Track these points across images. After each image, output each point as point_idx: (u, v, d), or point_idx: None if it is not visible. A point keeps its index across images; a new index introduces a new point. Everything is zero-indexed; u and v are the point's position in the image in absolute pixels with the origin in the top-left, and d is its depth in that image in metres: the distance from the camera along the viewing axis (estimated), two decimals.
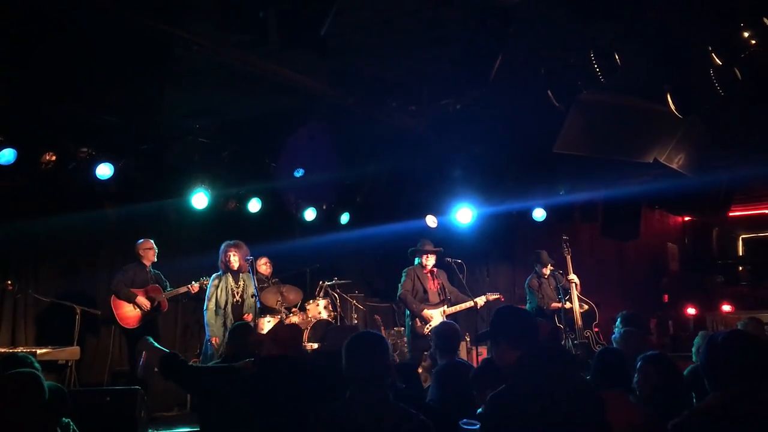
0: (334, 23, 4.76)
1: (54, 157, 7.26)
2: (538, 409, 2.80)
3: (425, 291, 8.24)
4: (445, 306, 8.20)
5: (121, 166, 7.77)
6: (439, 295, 8.27)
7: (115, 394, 5.81)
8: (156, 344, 4.19)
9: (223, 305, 7.40)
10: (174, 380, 4.19)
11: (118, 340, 8.02)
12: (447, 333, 5.18)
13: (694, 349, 5.57)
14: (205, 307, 7.47)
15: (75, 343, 7.28)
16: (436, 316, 8.01)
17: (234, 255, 7.49)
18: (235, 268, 7.55)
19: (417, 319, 8.11)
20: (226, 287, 7.49)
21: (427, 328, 7.90)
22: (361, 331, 3.44)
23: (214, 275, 7.63)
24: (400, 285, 8.32)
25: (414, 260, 8.48)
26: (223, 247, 7.64)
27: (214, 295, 7.46)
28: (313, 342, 8.15)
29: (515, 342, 3.14)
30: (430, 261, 8.35)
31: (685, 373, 5.09)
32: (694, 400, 4.36)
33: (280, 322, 7.54)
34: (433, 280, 8.32)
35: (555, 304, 8.77)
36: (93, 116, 6.73)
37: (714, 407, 2.79)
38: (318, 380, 3.95)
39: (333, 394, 3.38)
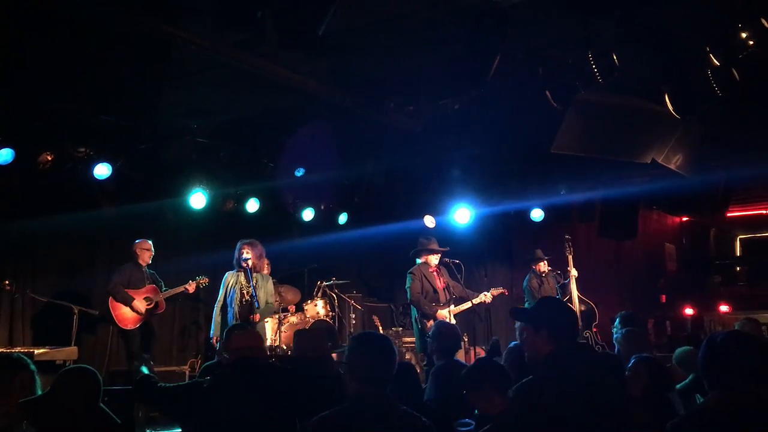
0: (332, 23, 4.76)
1: (51, 157, 7.25)
2: (568, 404, 2.79)
3: (435, 291, 8.06)
4: (452, 305, 8.08)
5: (118, 166, 7.76)
6: (446, 293, 8.10)
7: (112, 394, 5.78)
8: (142, 368, 4.19)
9: (231, 303, 7.36)
10: (146, 403, 4.17)
11: (115, 341, 7.99)
12: (447, 334, 5.18)
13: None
14: (215, 306, 7.43)
15: (72, 343, 7.25)
16: (447, 316, 7.90)
17: (248, 252, 7.42)
18: (248, 266, 7.48)
19: (431, 320, 7.96)
20: (237, 285, 7.43)
21: None
22: (368, 332, 3.42)
23: (228, 272, 7.53)
24: (408, 288, 8.09)
25: (415, 260, 8.29)
26: (238, 244, 7.55)
27: (224, 293, 7.40)
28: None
29: (557, 335, 3.09)
30: (435, 260, 8.19)
31: (691, 377, 5.09)
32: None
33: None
34: (440, 278, 8.15)
35: None
36: (91, 116, 6.72)
37: (712, 408, 2.80)
38: (288, 383, 3.92)
39: (316, 400, 3.33)
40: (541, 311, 3.25)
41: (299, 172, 9.00)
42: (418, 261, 8.25)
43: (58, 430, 3.55)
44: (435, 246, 8.20)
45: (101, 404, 3.67)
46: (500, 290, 8.38)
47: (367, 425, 2.85)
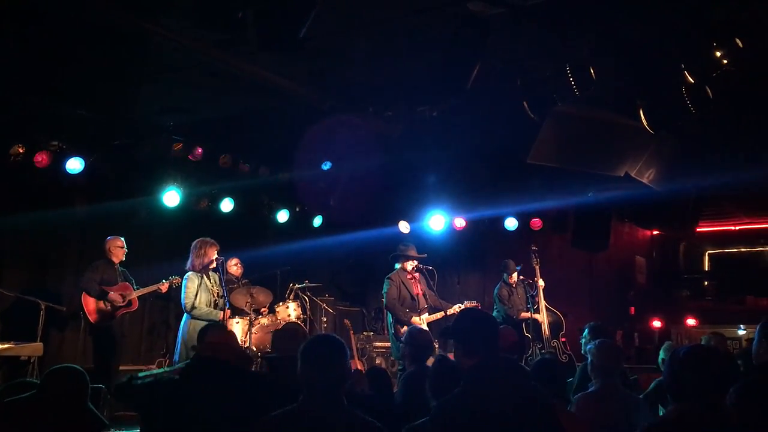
0: (313, 26, 4.76)
1: (23, 150, 7.14)
2: (484, 420, 2.76)
3: (413, 298, 8.04)
4: (426, 313, 8.08)
5: (92, 161, 7.67)
6: (421, 301, 8.10)
7: None
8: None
9: (206, 305, 7.22)
10: (126, 402, 4.13)
11: (82, 338, 7.89)
12: (419, 340, 5.20)
13: (659, 361, 5.68)
14: (191, 307, 7.07)
15: (38, 339, 7.16)
16: (423, 324, 7.89)
17: (217, 252, 7.34)
18: (214, 266, 7.38)
19: (404, 327, 7.88)
20: (206, 287, 7.30)
21: None
22: (320, 335, 3.37)
23: (190, 274, 7.25)
24: (384, 293, 8.05)
25: (394, 265, 8.26)
26: (202, 245, 7.31)
27: (198, 296, 7.16)
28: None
29: (471, 349, 3.06)
30: (411, 266, 8.17)
31: (651, 385, 5.16)
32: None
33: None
34: (417, 285, 8.14)
35: (524, 314, 8.85)
36: (65, 109, 6.64)
37: (673, 420, 2.85)
38: (257, 386, 3.87)
39: (279, 401, 3.30)
40: (456, 326, 3.19)
41: (326, 166, 8.98)
42: (397, 266, 8.24)
43: (45, 430, 3.48)
44: (413, 252, 8.21)
45: (89, 404, 3.61)
46: (474, 303, 8.40)
47: (314, 427, 2.79)
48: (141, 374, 4.16)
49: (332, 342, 2.98)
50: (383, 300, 8.17)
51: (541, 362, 4.34)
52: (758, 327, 3.79)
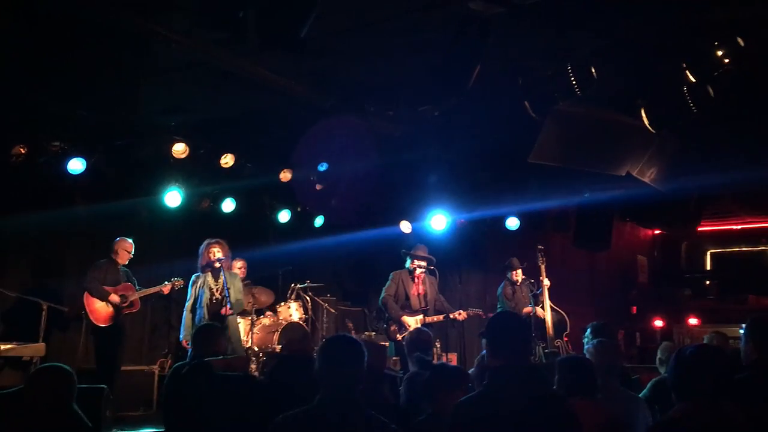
0: (314, 25, 4.76)
1: (25, 150, 7.14)
2: (503, 420, 2.78)
3: (407, 297, 8.18)
4: (422, 315, 8.14)
5: (93, 162, 7.66)
6: (420, 301, 8.20)
7: (80, 392, 5.69)
8: None
9: (200, 304, 7.26)
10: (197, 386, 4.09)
11: (84, 338, 7.87)
12: (420, 341, 5.23)
13: (657, 363, 5.67)
14: (184, 308, 7.34)
15: (40, 339, 7.15)
16: (413, 324, 7.97)
17: (219, 252, 7.36)
18: (218, 266, 7.39)
19: (395, 324, 8.07)
20: (206, 285, 7.33)
21: (400, 336, 7.88)
22: (338, 335, 3.39)
23: (194, 275, 7.44)
24: (384, 288, 8.27)
25: (405, 261, 8.42)
26: (204, 245, 7.43)
27: (194, 295, 7.28)
28: (282, 344, 8.12)
29: (498, 351, 3.07)
30: (412, 265, 8.28)
31: (648, 385, 5.16)
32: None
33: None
34: (417, 285, 8.25)
35: (527, 309, 8.85)
36: (66, 109, 6.64)
37: (678, 419, 2.84)
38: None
39: None
40: (493, 327, 3.18)
41: (322, 167, 9.02)
42: (407, 264, 8.37)
43: (25, 428, 3.46)
44: (420, 253, 8.34)
45: (74, 406, 3.59)
46: (477, 311, 8.46)
47: (330, 427, 2.81)
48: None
49: (350, 342, 3.03)
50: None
51: (572, 359, 4.30)
52: (745, 327, 3.77)
